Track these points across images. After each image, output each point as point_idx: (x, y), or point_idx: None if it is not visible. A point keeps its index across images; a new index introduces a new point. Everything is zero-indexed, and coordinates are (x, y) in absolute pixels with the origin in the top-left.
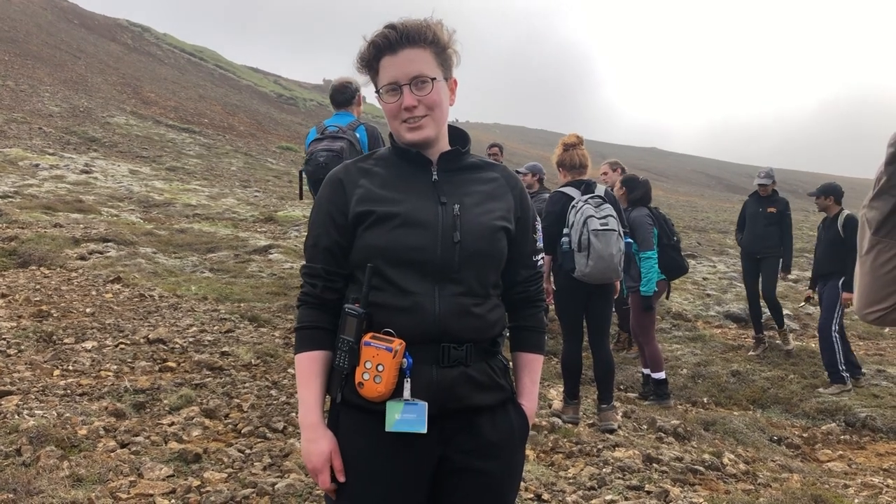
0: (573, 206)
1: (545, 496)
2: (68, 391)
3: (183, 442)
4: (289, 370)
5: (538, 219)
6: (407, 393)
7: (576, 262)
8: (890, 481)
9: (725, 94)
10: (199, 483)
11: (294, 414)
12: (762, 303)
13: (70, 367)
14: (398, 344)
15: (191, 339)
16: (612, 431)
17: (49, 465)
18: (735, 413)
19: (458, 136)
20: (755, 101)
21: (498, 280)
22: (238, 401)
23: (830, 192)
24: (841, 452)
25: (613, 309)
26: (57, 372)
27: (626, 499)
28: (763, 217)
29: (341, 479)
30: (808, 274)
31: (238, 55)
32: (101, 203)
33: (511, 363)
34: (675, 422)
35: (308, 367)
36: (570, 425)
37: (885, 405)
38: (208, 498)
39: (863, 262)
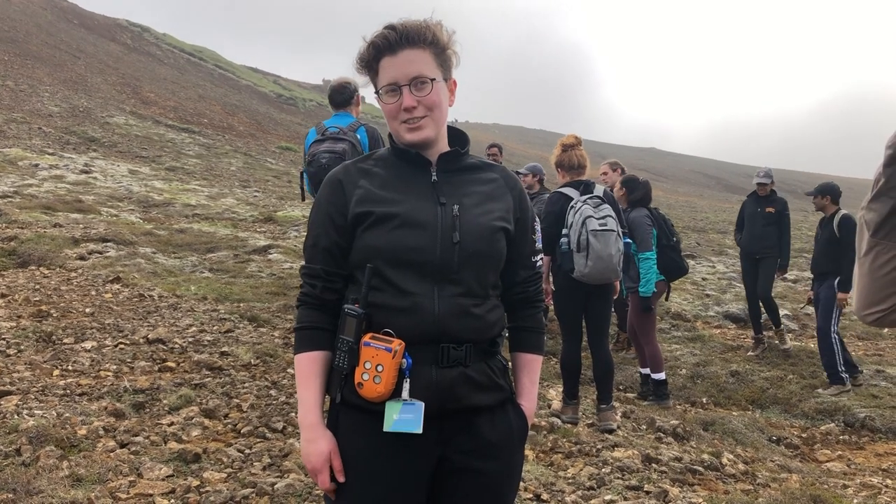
0: (572, 207)
1: (544, 496)
2: (68, 391)
3: (182, 442)
4: (288, 370)
5: (537, 219)
6: (405, 393)
7: (575, 262)
8: (889, 481)
9: (725, 94)
10: (198, 483)
11: (293, 414)
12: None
13: (69, 367)
14: (397, 344)
15: (190, 339)
16: (611, 431)
17: (48, 464)
18: (734, 413)
19: (457, 136)
20: (754, 101)
21: (497, 281)
22: (237, 401)
23: (827, 192)
24: (840, 453)
25: (613, 309)
26: (56, 372)
27: (626, 499)
28: (761, 217)
29: (341, 479)
30: (808, 274)
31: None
32: (101, 203)
33: (510, 363)
34: (675, 422)
35: (307, 368)
36: (569, 425)
37: (884, 405)
38: (208, 498)
39: (861, 263)
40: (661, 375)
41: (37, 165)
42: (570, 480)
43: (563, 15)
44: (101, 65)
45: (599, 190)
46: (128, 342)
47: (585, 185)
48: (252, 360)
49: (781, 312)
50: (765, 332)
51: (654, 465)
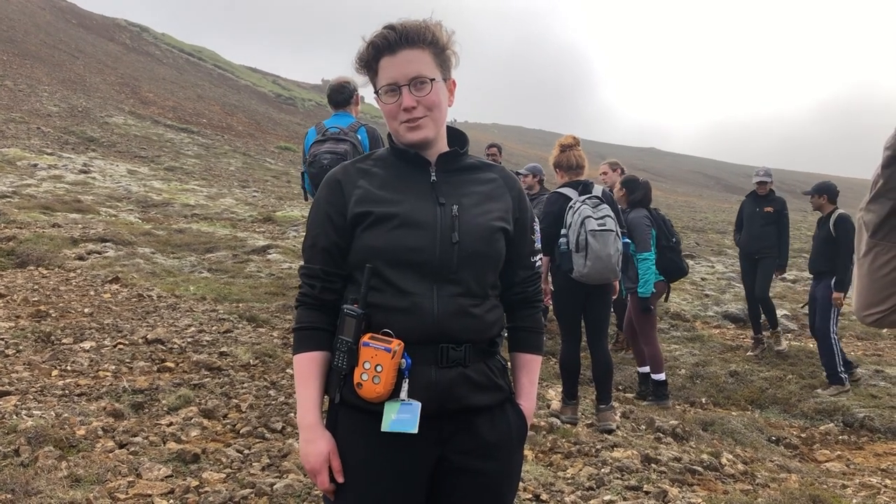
0: (571, 207)
1: (543, 496)
2: (66, 391)
3: (181, 442)
4: (287, 370)
5: (536, 220)
6: (404, 393)
7: (574, 262)
8: (888, 481)
9: (724, 94)
10: (197, 483)
11: (292, 414)
12: None
13: (68, 368)
14: (397, 344)
15: (189, 340)
16: (610, 432)
17: (47, 465)
18: (733, 413)
19: (456, 136)
20: (753, 101)
21: (496, 281)
22: (236, 401)
23: (824, 191)
24: (839, 452)
25: (612, 309)
26: (55, 372)
27: (625, 499)
28: (760, 217)
29: (340, 479)
30: (807, 274)
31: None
32: (100, 203)
33: (509, 363)
34: (674, 422)
35: (306, 368)
36: (568, 425)
37: (883, 405)
38: (207, 498)
39: (861, 264)
40: (661, 376)
41: (35, 165)
42: (570, 481)
43: (562, 16)
44: (100, 64)
45: (598, 190)
46: (127, 342)
47: (584, 185)
48: (251, 361)
49: (781, 313)
50: (764, 333)
51: (653, 465)
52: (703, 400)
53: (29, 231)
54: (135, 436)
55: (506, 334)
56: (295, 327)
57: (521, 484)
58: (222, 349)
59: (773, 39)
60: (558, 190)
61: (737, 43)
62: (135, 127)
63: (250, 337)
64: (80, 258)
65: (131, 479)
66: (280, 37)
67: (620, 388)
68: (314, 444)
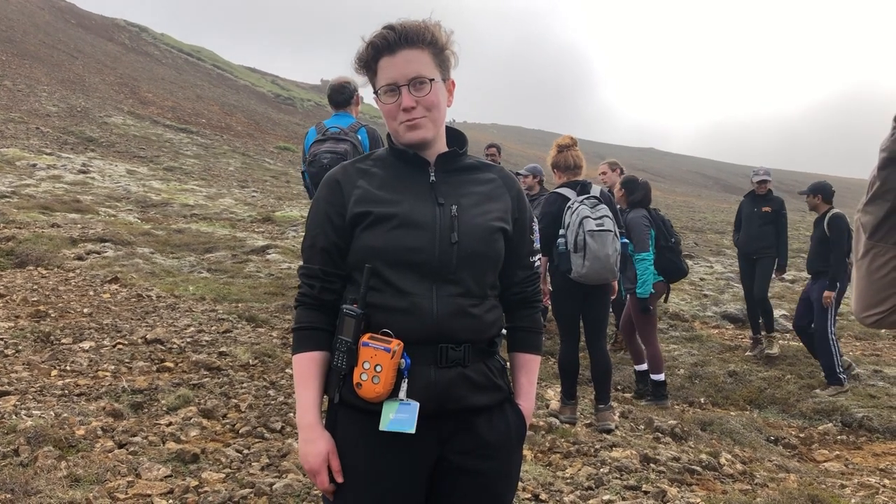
0: (569, 207)
1: (543, 496)
2: (66, 391)
3: (181, 442)
4: (286, 370)
5: (535, 220)
6: (403, 393)
7: (572, 262)
8: (886, 481)
9: (723, 94)
10: (196, 483)
11: (292, 414)
12: None
13: (68, 368)
14: (396, 344)
15: (188, 340)
16: (609, 431)
17: (47, 465)
18: (732, 413)
19: (455, 137)
20: (752, 101)
21: (495, 281)
22: (236, 401)
23: (819, 191)
24: (838, 452)
25: (611, 309)
26: (54, 372)
27: (624, 499)
28: (758, 217)
29: (339, 479)
30: (805, 274)
31: (236, 55)
32: (99, 203)
33: (508, 363)
34: (673, 422)
35: (306, 368)
36: (567, 425)
37: (881, 405)
38: (206, 498)
39: (859, 266)
40: (661, 376)
41: (34, 165)
42: (569, 480)
43: (562, 16)
44: (99, 65)
45: (596, 190)
46: (126, 342)
47: (582, 185)
48: (250, 361)
49: (779, 313)
50: (763, 333)
51: (652, 465)
52: (702, 400)
53: (28, 231)
54: (134, 436)
55: (505, 334)
56: (294, 327)
57: (520, 484)
58: (221, 349)
59: (772, 40)
60: (556, 190)
61: (736, 43)
62: (134, 127)
63: (249, 337)
64: (80, 258)
65: (131, 478)
66: (279, 37)
67: (619, 388)
68: (313, 443)
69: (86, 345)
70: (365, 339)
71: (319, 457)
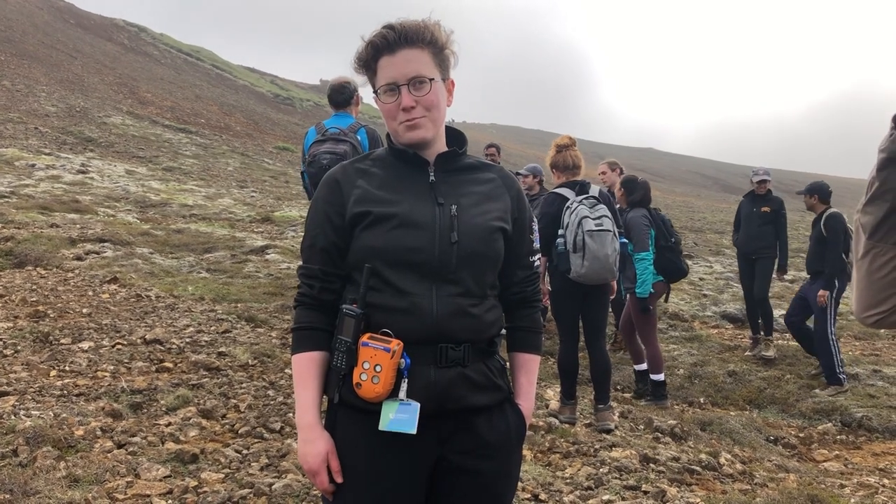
0: (568, 208)
1: (542, 496)
2: (65, 392)
3: (180, 442)
4: (286, 371)
5: (535, 220)
6: (403, 393)
7: (571, 263)
8: (886, 481)
9: (722, 95)
10: (196, 483)
11: (291, 414)
12: None
13: (67, 368)
14: (396, 344)
15: (188, 340)
16: (608, 431)
17: (46, 465)
18: (731, 413)
19: (455, 137)
20: (751, 101)
21: (495, 281)
22: (235, 401)
23: (815, 191)
24: (837, 452)
25: (610, 309)
26: (53, 372)
27: (623, 499)
28: (757, 217)
29: (338, 479)
30: (804, 274)
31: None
32: (98, 203)
33: (508, 363)
34: (672, 422)
35: (305, 368)
36: (566, 425)
37: (880, 405)
38: (205, 498)
39: (859, 266)
40: (661, 376)
41: (33, 165)
42: (568, 480)
43: (562, 15)
44: (98, 65)
45: (595, 190)
46: (125, 343)
47: (581, 185)
48: (249, 361)
49: (779, 313)
50: (761, 334)
51: (651, 465)
52: (702, 400)
53: (27, 231)
54: (133, 436)
55: (504, 333)
56: (294, 327)
57: (519, 484)
58: (221, 349)
59: (771, 40)
60: (555, 190)
61: (735, 44)
62: (133, 127)
63: (249, 337)
64: (79, 258)
65: (130, 479)
66: (278, 37)
67: (619, 388)
68: (313, 444)
69: (85, 345)
70: (364, 338)
71: (319, 457)
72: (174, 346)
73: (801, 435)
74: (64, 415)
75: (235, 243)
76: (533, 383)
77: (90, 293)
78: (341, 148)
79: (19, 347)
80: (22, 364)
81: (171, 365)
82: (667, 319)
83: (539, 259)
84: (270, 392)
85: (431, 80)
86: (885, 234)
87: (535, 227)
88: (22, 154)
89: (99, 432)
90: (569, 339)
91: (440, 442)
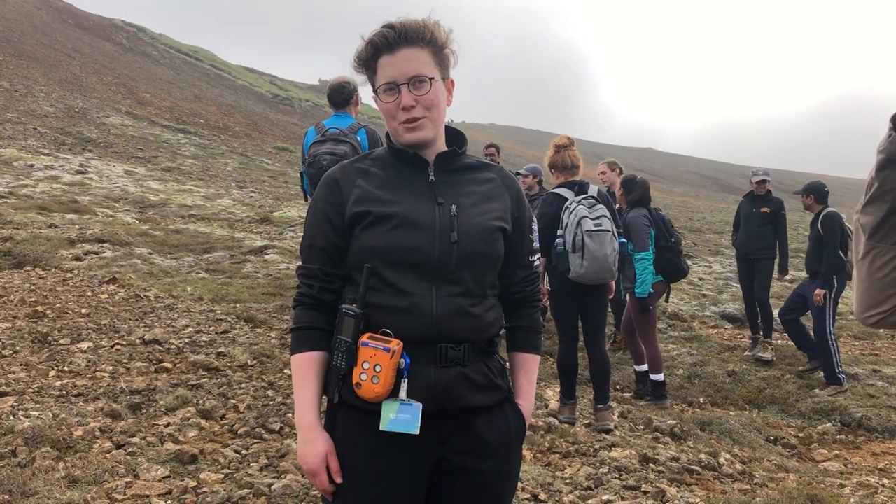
0: (567, 208)
1: (542, 496)
2: (64, 392)
3: (179, 443)
4: (285, 371)
5: (535, 219)
6: (403, 393)
7: (570, 263)
8: (885, 480)
9: (721, 95)
10: (195, 484)
11: (290, 415)
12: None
13: (65, 368)
14: (396, 344)
15: (187, 340)
16: (608, 431)
17: (45, 466)
18: (731, 413)
19: (454, 136)
20: (750, 102)
21: (495, 280)
22: (234, 401)
23: (811, 191)
24: (837, 452)
25: (610, 309)
26: (52, 373)
27: (623, 499)
28: (757, 217)
29: (338, 479)
30: (804, 274)
31: (234, 55)
32: (97, 203)
33: (508, 363)
34: (672, 422)
35: (305, 368)
36: (566, 425)
37: (880, 405)
38: (205, 499)
39: (859, 266)
40: (660, 376)
41: (32, 166)
42: (568, 480)
43: (561, 15)
44: (97, 65)
45: (594, 190)
46: (124, 343)
47: (580, 185)
48: (249, 361)
49: (777, 313)
50: (760, 334)
51: (651, 465)
52: (701, 400)
53: (26, 231)
54: (132, 436)
55: (504, 333)
56: (293, 327)
57: (519, 484)
58: (220, 350)
59: (770, 41)
60: (554, 190)
61: (734, 44)
62: (131, 127)
63: (248, 337)
64: (77, 259)
65: (129, 479)
66: (277, 37)
67: (618, 388)
68: (312, 444)
69: (84, 345)
70: (364, 338)
71: (318, 457)
72: (173, 347)
73: (801, 435)
74: (63, 415)
75: (234, 243)
76: (533, 383)
77: (89, 293)
78: (341, 149)
79: (18, 348)
80: (21, 364)
81: (170, 365)
82: (666, 319)
83: (538, 259)
84: (270, 392)
85: (431, 79)
86: (885, 234)
87: (535, 226)
88: (20, 154)
89: (98, 433)
90: (568, 339)
91: (440, 442)
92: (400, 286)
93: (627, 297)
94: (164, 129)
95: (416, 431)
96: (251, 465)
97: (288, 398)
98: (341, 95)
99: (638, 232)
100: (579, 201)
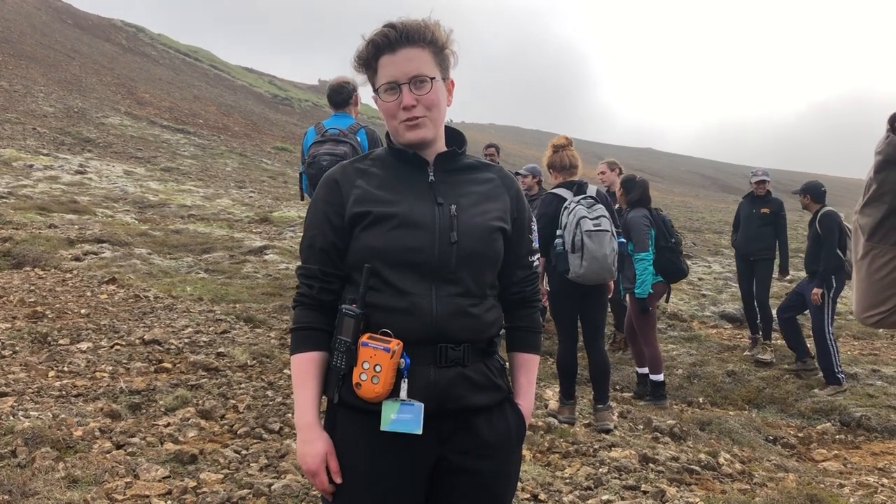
0: (566, 208)
1: (542, 496)
2: (63, 392)
3: (179, 443)
4: (284, 371)
5: (534, 220)
6: (403, 393)
7: (569, 263)
8: (885, 480)
9: (720, 95)
10: (195, 484)
11: (290, 415)
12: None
13: (65, 369)
14: (395, 344)
15: (186, 340)
16: (608, 431)
17: (44, 466)
18: (731, 413)
19: (454, 136)
20: (750, 102)
21: (494, 280)
22: (234, 402)
23: (808, 191)
24: (836, 452)
25: (610, 309)
26: (52, 373)
27: (623, 499)
28: (757, 218)
29: (338, 480)
30: (803, 274)
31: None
32: (96, 204)
33: (508, 363)
34: (671, 422)
35: (304, 368)
36: (566, 425)
37: (879, 405)
38: (205, 499)
39: (858, 267)
40: (660, 377)
41: (31, 166)
42: (568, 480)
43: (561, 15)
44: (96, 65)
45: (592, 190)
46: (124, 343)
47: (579, 185)
48: (248, 361)
49: (773, 322)
50: (759, 335)
51: (650, 464)
52: (701, 400)
53: (25, 232)
54: (132, 437)
55: (504, 333)
56: (293, 328)
57: (519, 484)
58: (219, 350)
59: (769, 41)
60: (553, 191)
61: (733, 44)
62: (131, 128)
63: (247, 337)
64: (77, 259)
65: (129, 479)
66: (277, 37)
67: (618, 388)
68: (312, 444)
69: (83, 345)
70: (364, 338)
71: (318, 457)
72: (173, 347)
73: (800, 434)
74: (63, 415)
75: (234, 244)
76: (532, 383)
77: (88, 294)
78: (341, 149)
79: (17, 348)
80: (20, 365)
81: (169, 365)
82: (666, 319)
83: (538, 259)
84: (269, 392)
85: (432, 79)
86: (884, 235)
87: (535, 226)
88: (20, 154)
89: (98, 433)
90: (567, 339)
91: (440, 442)
92: (400, 286)
93: (627, 298)
94: (163, 129)
95: (419, 431)
96: (251, 465)
97: (288, 398)
98: (341, 95)
99: (638, 232)
100: (578, 201)
